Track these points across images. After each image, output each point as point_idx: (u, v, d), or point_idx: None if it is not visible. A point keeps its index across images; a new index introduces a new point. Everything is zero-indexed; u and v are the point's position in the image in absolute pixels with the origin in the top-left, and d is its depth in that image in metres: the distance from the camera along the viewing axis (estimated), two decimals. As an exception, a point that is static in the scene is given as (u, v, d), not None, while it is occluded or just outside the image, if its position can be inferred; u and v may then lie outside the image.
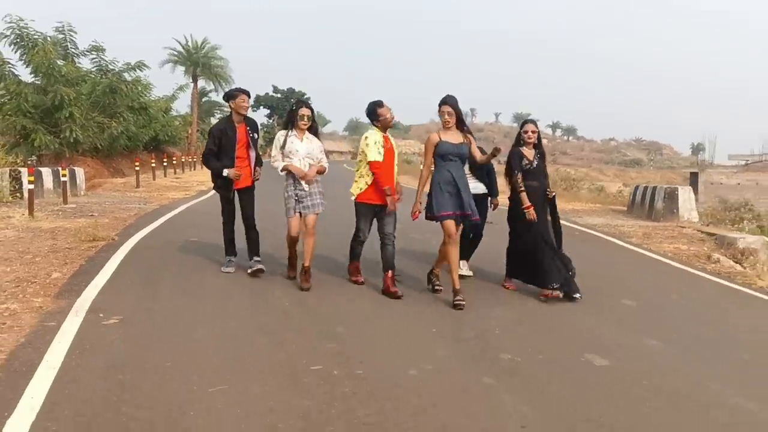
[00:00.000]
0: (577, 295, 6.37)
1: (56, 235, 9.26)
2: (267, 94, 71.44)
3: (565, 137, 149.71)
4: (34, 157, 19.05)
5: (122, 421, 3.44)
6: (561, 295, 6.35)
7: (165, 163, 28.11)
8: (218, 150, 6.58)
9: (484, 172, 7.25)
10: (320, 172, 6.51)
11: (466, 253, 7.28)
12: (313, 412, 3.61)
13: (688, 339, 5.54)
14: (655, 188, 14.78)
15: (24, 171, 13.71)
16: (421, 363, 4.47)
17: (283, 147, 6.36)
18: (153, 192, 18.24)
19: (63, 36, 25.22)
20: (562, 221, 7.03)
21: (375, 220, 6.51)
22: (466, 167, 6.45)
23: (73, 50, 25.51)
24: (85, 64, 26.20)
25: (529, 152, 6.59)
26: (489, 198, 7.44)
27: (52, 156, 21.86)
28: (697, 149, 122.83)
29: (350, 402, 3.76)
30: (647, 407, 3.94)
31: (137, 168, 21.05)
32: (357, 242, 6.64)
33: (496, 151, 6.05)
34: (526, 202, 6.41)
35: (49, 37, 24.11)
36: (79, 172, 17.28)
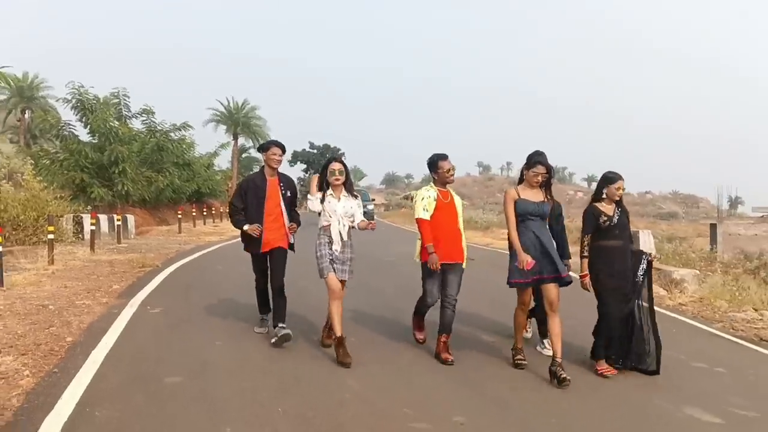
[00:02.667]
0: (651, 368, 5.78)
1: (113, 264, 11.72)
2: (304, 149, 74.92)
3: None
4: (97, 204, 21.80)
5: (159, 355, 5.71)
6: (615, 371, 5.72)
7: (205, 213, 30.88)
8: (245, 205, 6.18)
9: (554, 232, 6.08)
10: (369, 228, 5.92)
11: (544, 329, 6.31)
12: None
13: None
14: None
15: (86, 216, 16.37)
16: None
17: (322, 202, 5.85)
18: (192, 236, 20.84)
19: (117, 100, 28.38)
20: None
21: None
22: None
23: (126, 113, 28.63)
24: (136, 124, 29.29)
25: (608, 207, 5.82)
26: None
27: (105, 206, 24.67)
28: (735, 202, 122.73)
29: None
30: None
31: (180, 216, 23.76)
32: (423, 305, 6.15)
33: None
34: (583, 270, 5.80)
35: (106, 98, 27.29)
36: (131, 218, 20.00)
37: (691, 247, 28.48)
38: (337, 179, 5.83)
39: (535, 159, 5.72)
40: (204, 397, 4.66)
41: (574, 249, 6.39)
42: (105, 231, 17.68)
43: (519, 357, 5.77)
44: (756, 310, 10.86)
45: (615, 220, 5.80)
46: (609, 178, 5.84)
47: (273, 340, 6.02)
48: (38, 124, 44.41)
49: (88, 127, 25.79)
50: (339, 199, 5.87)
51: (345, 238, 5.85)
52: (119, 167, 24.82)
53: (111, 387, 4.82)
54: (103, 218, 17.96)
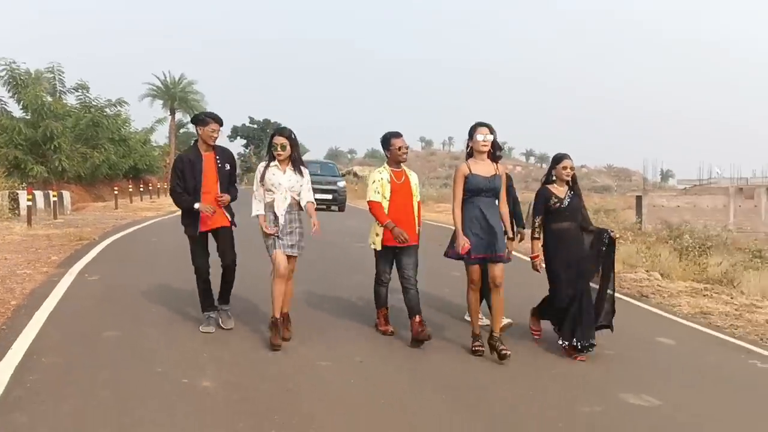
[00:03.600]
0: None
1: (51, 238, 12.18)
2: (243, 125, 74.57)
3: (539, 164, 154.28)
4: (32, 181, 21.89)
5: (97, 315, 6.40)
6: (584, 358, 5.68)
7: (141, 189, 30.98)
8: (184, 184, 5.75)
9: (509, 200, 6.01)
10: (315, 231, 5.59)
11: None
12: None
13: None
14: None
15: (22, 193, 16.60)
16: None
17: (262, 180, 5.60)
18: (129, 212, 21.17)
19: (52, 75, 28.12)
20: None
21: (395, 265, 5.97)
22: None
23: (60, 88, 28.41)
24: (71, 100, 29.11)
25: (559, 189, 5.83)
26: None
27: (40, 183, 24.64)
28: (666, 176, 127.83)
29: None
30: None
31: (116, 192, 24.01)
32: (380, 284, 6.06)
33: (518, 235, 6.23)
34: (534, 252, 5.89)
35: (40, 74, 27.06)
36: (66, 195, 20.21)
37: (615, 219, 30.24)
38: (279, 154, 5.59)
39: (476, 123, 5.52)
40: (138, 347, 5.41)
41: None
42: (41, 207, 17.88)
43: (477, 344, 5.60)
44: (647, 271, 12.15)
45: (566, 202, 5.78)
46: (555, 158, 5.92)
47: (202, 328, 5.87)
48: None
49: (21, 102, 25.62)
50: (284, 171, 5.64)
51: (291, 211, 5.64)
52: (54, 143, 24.81)
53: (54, 340, 5.52)
54: (38, 194, 18.15)
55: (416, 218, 5.92)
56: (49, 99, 26.52)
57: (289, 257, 5.59)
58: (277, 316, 5.55)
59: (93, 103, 28.96)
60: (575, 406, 4.68)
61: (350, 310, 7.07)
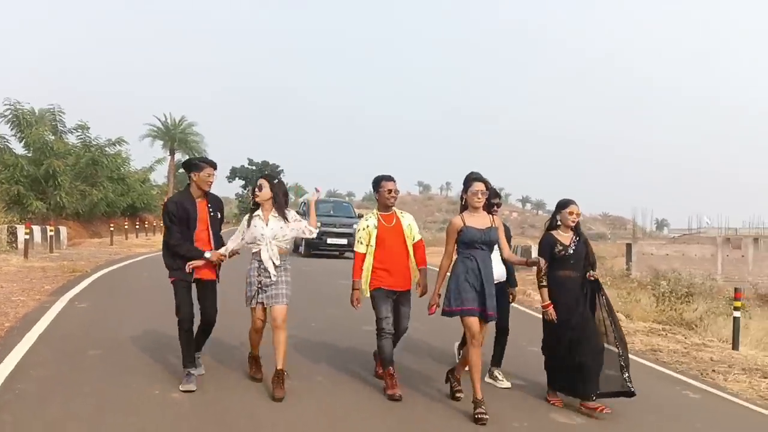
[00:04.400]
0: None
1: (46, 270, 12.79)
2: (242, 166, 75.55)
3: (534, 211, 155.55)
4: (31, 216, 22.57)
5: (84, 337, 6.97)
6: (609, 411, 5.41)
7: (137, 227, 31.64)
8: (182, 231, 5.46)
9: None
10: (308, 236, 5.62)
11: (496, 358, 6.27)
12: None
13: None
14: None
15: (20, 227, 17.23)
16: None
17: (247, 230, 5.47)
18: (124, 248, 21.77)
19: (53, 115, 29.03)
20: None
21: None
22: None
23: (61, 128, 29.28)
24: (71, 139, 29.97)
25: (564, 236, 5.66)
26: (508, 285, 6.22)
27: (39, 218, 25.28)
28: (661, 225, 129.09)
29: None
30: None
31: (111, 229, 24.68)
32: (383, 336, 5.63)
33: (532, 263, 5.58)
34: (545, 300, 5.61)
35: (43, 112, 27.99)
36: (63, 230, 20.86)
37: (604, 266, 30.85)
38: (256, 195, 5.44)
39: (473, 176, 5.36)
40: (119, 363, 5.98)
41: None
42: (38, 241, 18.49)
43: (480, 411, 5.08)
44: (627, 316, 12.68)
45: (571, 250, 5.61)
46: (561, 204, 5.74)
47: (182, 387, 5.31)
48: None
49: (23, 141, 26.45)
50: (267, 221, 5.41)
51: (277, 262, 5.40)
52: (55, 180, 25.54)
53: (43, 357, 6.09)
54: (36, 229, 18.78)
55: (411, 261, 5.77)
56: (52, 138, 27.37)
57: (276, 308, 5.38)
58: (256, 353, 5.72)
59: (93, 142, 29.81)
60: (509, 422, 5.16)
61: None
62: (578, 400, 5.58)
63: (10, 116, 26.57)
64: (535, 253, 5.99)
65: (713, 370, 7.73)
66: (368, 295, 5.69)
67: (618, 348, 5.63)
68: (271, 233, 5.39)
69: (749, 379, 7.40)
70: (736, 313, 9.35)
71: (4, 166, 25.79)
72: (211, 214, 5.57)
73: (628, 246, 47.80)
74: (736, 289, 9.65)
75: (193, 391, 5.28)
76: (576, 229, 5.70)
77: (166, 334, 7.11)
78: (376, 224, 5.74)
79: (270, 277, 5.38)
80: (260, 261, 5.39)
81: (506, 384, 6.13)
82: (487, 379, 6.12)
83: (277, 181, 5.56)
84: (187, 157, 49.96)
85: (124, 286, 10.95)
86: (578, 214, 5.66)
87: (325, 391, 5.65)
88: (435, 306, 5.36)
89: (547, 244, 5.67)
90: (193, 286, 5.56)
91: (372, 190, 5.99)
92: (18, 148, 27.16)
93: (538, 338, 5.94)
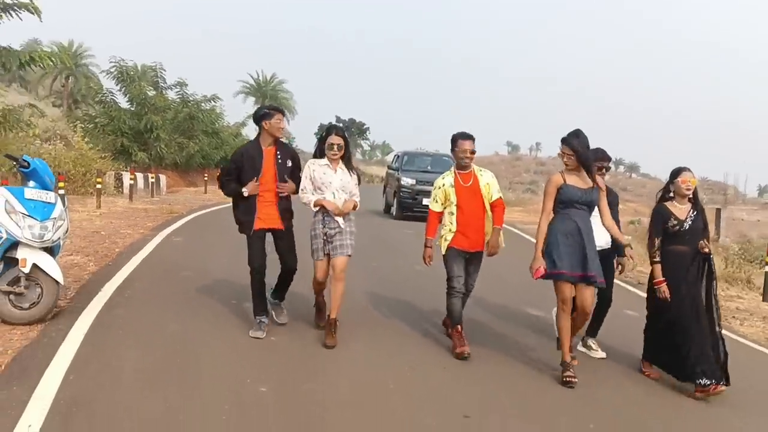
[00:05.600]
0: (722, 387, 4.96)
1: (147, 211, 14.48)
2: (330, 123, 77.33)
3: (628, 174, 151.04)
4: (134, 165, 24.74)
5: (178, 262, 8.37)
6: (722, 388, 4.92)
7: (230, 178, 33.67)
8: (238, 178, 5.53)
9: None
10: (354, 208, 5.54)
11: (593, 327, 5.85)
12: None
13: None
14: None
15: (125, 174, 19.17)
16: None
17: (311, 178, 5.48)
18: (216, 196, 23.53)
19: (155, 72, 31.15)
20: None
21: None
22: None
23: (162, 84, 31.40)
24: (171, 95, 32.07)
25: (680, 208, 5.18)
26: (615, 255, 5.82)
27: (140, 168, 27.53)
28: (764, 190, 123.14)
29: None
30: None
31: (206, 178, 26.60)
32: (453, 295, 5.52)
33: (627, 254, 5.23)
34: (658, 277, 5.17)
35: (146, 68, 30.14)
36: (163, 178, 22.83)
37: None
38: (335, 154, 5.43)
39: (563, 138, 5.12)
40: (205, 280, 7.30)
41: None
42: (141, 187, 20.45)
43: (568, 373, 4.92)
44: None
45: (687, 225, 5.12)
46: (674, 172, 5.26)
47: (259, 335, 5.43)
48: (80, 90, 47.86)
49: (127, 95, 28.64)
50: (335, 171, 5.47)
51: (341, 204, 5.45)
52: (154, 133, 27.65)
53: (145, 274, 7.50)
54: (139, 176, 20.75)
55: (487, 221, 5.57)
56: (152, 93, 29.47)
57: (339, 258, 5.43)
58: (320, 298, 5.86)
59: (190, 98, 31.81)
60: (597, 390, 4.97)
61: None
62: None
63: (115, 72, 28.76)
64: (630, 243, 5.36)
65: (733, 317, 8.36)
66: (443, 253, 5.56)
67: (720, 332, 5.20)
68: (339, 183, 5.45)
69: (764, 324, 7.99)
70: (768, 267, 9.36)
71: (109, 118, 28.09)
72: (279, 161, 5.50)
73: (717, 211, 46.59)
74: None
75: (263, 336, 5.40)
76: (693, 200, 5.20)
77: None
78: (453, 183, 5.57)
79: (335, 228, 5.40)
80: (324, 212, 5.43)
81: (601, 354, 5.80)
82: (581, 348, 5.87)
83: (347, 135, 5.62)
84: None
85: (213, 225, 12.41)
86: (693, 183, 5.15)
87: (389, 344, 5.65)
88: (542, 268, 5.00)
89: (660, 217, 5.20)
90: (270, 237, 5.63)
91: (450, 149, 5.76)
92: (122, 101, 29.44)
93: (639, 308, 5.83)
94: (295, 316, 6.04)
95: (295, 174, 5.66)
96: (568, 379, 4.87)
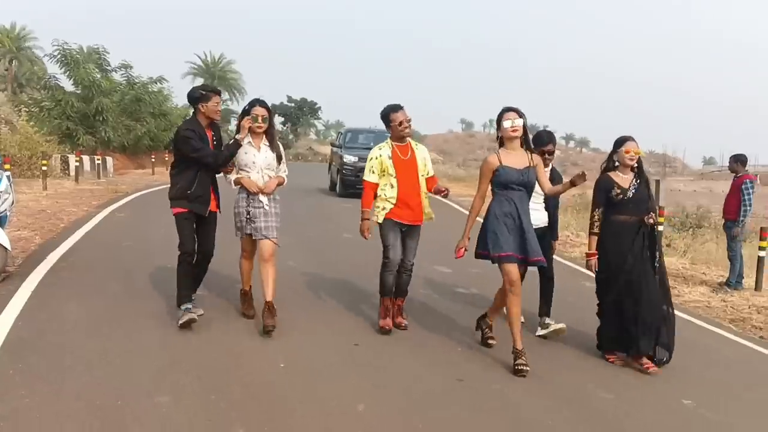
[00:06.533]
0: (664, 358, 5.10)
1: (93, 192, 14.99)
2: (282, 103, 77.33)
3: (578, 148, 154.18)
4: (81, 147, 24.91)
5: (120, 234, 9.02)
6: (658, 370, 4.99)
7: (179, 160, 33.92)
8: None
9: (547, 200, 5.62)
10: (279, 184, 5.41)
11: (544, 308, 5.77)
12: None
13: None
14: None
15: (71, 156, 19.50)
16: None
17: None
18: (164, 177, 23.94)
19: (98, 55, 31.12)
20: None
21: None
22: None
23: (106, 67, 31.40)
24: (116, 77, 32.10)
25: (623, 177, 5.11)
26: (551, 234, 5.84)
27: (88, 151, 27.65)
28: (708, 162, 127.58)
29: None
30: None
31: (152, 160, 26.96)
32: (387, 267, 5.45)
33: (578, 179, 4.69)
34: (591, 249, 5.18)
35: (91, 50, 30.13)
36: (109, 160, 23.15)
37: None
38: (260, 126, 5.24)
39: (503, 109, 4.95)
40: (145, 249, 8.00)
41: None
42: (87, 169, 20.76)
43: (520, 362, 4.73)
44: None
45: (630, 193, 5.06)
46: (618, 141, 5.15)
47: (180, 322, 5.11)
48: (24, 74, 47.14)
49: (72, 79, 28.63)
50: (259, 148, 5.31)
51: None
52: (102, 116, 27.79)
53: (87, 245, 8.16)
54: (85, 158, 21.05)
55: (423, 196, 5.50)
56: (98, 76, 29.50)
57: (265, 242, 5.27)
58: (246, 288, 5.64)
59: (136, 80, 31.90)
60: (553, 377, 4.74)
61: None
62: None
63: (58, 56, 28.71)
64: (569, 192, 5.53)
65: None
66: (379, 221, 5.46)
67: (669, 309, 5.19)
68: (264, 161, 5.30)
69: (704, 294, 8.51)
70: (762, 253, 8.78)
71: (54, 102, 28.09)
72: (215, 143, 5.39)
73: (657, 182, 48.66)
74: (762, 228, 8.99)
75: (195, 320, 5.13)
76: (638, 170, 5.14)
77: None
78: (390, 155, 5.45)
79: (259, 207, 5.25)
80: (247, 191, 5.28)
81: (560, 324, 5.63)
82: (540, 332, 5.68)
83: (271, 110, 5.43)
84: (227, 94, 52.03)
85: (157, 203, 12.94)
86: (637, 153, 5.08)
87: (327, 326, 5.53)
88: (463, 249, 5.05)
89: (603, 188, 5.15)
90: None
91: (383, 123, 5.60)
92: (67, 85, 29.41)
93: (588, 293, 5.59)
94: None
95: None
96: (519, 367, 4.70)
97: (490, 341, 5.24)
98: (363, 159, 16.41)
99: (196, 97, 5.31)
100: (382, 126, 5.81)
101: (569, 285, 7.49)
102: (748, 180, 8.79)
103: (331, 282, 7.14)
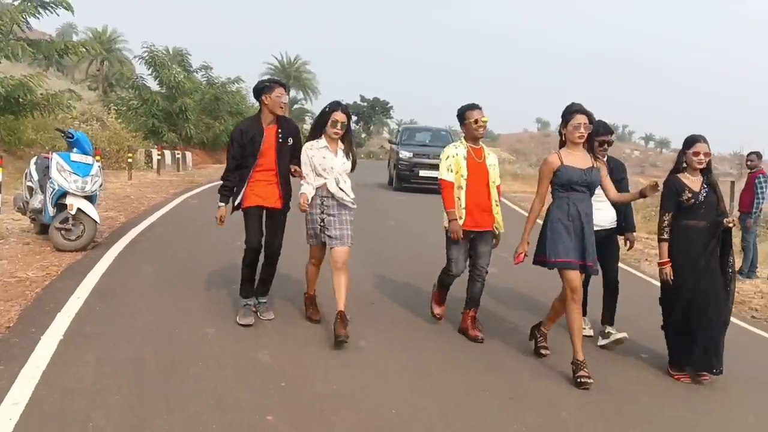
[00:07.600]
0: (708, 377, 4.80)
1: (172, 182, 16.64)
2: (355, 102, 79.03)
3: (658, 149, 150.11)
4: (164, 144, 26.98)
5: (191, 216, 10.43)
6: (709, 378, 4.77)
7: (254, 156, 35.80)
8: (241, 159, 5.19)
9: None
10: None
11: (607, 315, 5.49)
12: None
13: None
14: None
15: (154, 151, 21.34)
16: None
17: (310, 162, 5.06)
18: (238, 172, 25.78)
19: (181, 57, 33.29)
20: None
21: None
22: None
23: (188, 68, 33.54)
24: (196, 78, 34.22)
25: (693, 181, 4.75)
26: (621, 233, 5.60)
27: (170, 147, 29.74)
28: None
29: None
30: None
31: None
32: (447, 275, 5.36)
33: (649, 191, 4.47)
34: (663, 257, 4.79)
35: (176, 51, 32.36)
36: (188, 155, 25.03)
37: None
38: (337, 133, 5.06)
39: (574, 107, 4.68)
40: (209, 229, 9.19)
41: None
42: (168, 163, 22.61)
43: (582, 373, 4.47)
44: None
45: (701, 197, 4.69)
46: (687, 141, 4.79)
47: (249, 321, 5.14)
48: (114, 74, 50.40)
49: (158, 79, 30.82)
50: (336, 153, 5.10)
51: (351, 195, 5.15)
52: (185, 115, 29.86)
53: (164, 224, 9.58)
54: (167, 153, 22.91)
55: (493, 201, 5.27)
56: (182, 77, 31.62)
57: (338, 249, 5.03)
58: (311, 293, 5.51)
59: (215, 81, 33.93)
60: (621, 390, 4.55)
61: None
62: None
63: (147, 57, 30.95)
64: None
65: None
66: (445, 226, 5.26)
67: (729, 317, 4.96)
68: (341, 166, 5.11)
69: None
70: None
71: (141, 101, 30.32)
72: (280, 140, 5.16)
73: (732, 184, 47.32)
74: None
75: (251, 325, 5.12)
76: (707, 174, 4.78)
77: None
78: (466, 155, 5.23)
79: (331, 214, 5.05)
80: (324, 196, 5.07)
81: (622, 334, 5.27)
82: (601, 342, 5.38)
83: (350, 114, 5.25)
84: (301, 94, 53.83)
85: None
86: (706, 155, 4.69)
87: (394, 338, 5.23)
88: (523, 255, 4.81)
89: (673, 190, 4.76)
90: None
91: (458, 122, 5.42)
92: (152, 85, 31.65)
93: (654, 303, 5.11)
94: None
95: (296, 152, 5.25)
96: (581, 379, 4.42)
97: (543, 351, 4.97)
98: (417, 155, 17.87)
99: (259, 89, 5.22)
100: (456, 126, 5.76)
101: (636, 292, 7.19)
102: (761, 175, 9.35)
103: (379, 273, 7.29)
